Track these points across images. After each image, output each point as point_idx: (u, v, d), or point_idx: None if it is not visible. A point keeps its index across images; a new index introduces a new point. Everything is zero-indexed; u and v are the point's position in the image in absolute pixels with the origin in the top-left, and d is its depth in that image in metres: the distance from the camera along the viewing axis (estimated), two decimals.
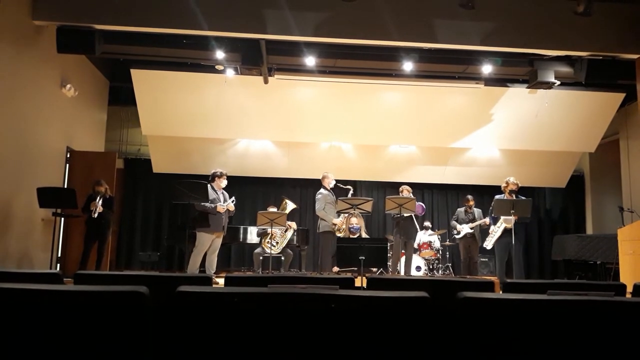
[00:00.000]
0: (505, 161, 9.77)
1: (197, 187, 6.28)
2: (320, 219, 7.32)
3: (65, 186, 7.57)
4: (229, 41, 6.87)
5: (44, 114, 6.91)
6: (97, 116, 9.02)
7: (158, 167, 9.44)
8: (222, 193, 6.60)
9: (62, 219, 7.27)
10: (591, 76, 7.02)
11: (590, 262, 8.29)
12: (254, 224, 7.85)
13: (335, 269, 6.87)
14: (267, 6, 6.31)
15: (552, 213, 10.68)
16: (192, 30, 6.37)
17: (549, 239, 10.05)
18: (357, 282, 4.29)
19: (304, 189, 10.11)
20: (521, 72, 7.76)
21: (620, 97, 8.60)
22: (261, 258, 7.82)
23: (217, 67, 7.60)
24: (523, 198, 6.82)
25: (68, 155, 7.75)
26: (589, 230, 10.21)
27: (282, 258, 7.98)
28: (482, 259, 9.09)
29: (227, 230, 6.94)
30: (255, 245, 8.18)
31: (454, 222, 8.31)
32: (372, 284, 2.40)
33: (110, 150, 9.20)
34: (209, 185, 6.47)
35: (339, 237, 7.04)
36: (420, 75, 7.98)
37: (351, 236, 7.31)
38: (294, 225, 8.03)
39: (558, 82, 7.43)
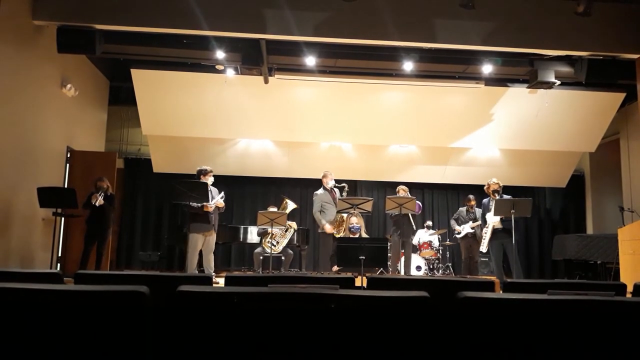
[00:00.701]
0: (506, 161, 9.77)
1: (198, 186, 6.26)
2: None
3: (66, 186, 7.57)
4: (229, 41, 6.87)
5: (44, 113, 6.92)
6: (97, 116, 9.03)
7: (158, 166, 9.44)
8: (210, 190, 6.54)
9: (63, 218, 7.27)
10: (591, 76, 7.01)
11: (590, 262, 8.29)
12: (254, 223, 7.85)
13: (335, 268, 6.87)
14: (267, 6, 6.31)
15: (553, 213, 10.67)
16: (192, 30, 6.36)
17: (549, 239, 10.05)
18: (358, 282, 4.30)
19: (304, 189, 10.10)
20: (521, 72, 7.76)
21: (620, 97, 8.60)
22: (261, 258, 7.82)
23: (217, 67, 7.60)
24: (507, 197, 6.84)
25: (68, 155, 7.75)
26: (589, 230, 10.20)
27: (283, 258, 7.98)
28: (482, 259, 9.09)
29: (227, 229, 6.93)
30: (255, 245, 8.18)
31: (452, 222, 8.32)
32: (373, 283, 2.41)
33: (111, 150, 9.20)
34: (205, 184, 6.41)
35: (339, 237, 7.03)
36: (421, 75, 7.98)
37: (351, 236, 7.30)
38: (294, 225, 8.03)
39: (558, 82, 7.42)
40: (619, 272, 6.61)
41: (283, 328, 1.33)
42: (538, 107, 8.63)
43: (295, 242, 8.09)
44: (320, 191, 7.32)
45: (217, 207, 6.42)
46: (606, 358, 1.37)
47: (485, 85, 8.37)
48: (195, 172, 6.58)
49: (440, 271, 8.68)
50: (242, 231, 8.22)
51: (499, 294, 1.63)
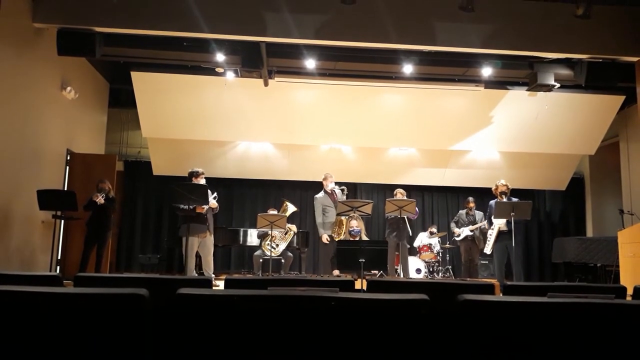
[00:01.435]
0: (505, 164, 9.78)
1: (197, 188, 6.25)
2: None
3: (66, 188, 7.57)
4: (229, 44, 6.88)
5: (44, 116, 6.92)
6: (97, 118, 9.03)
7: (158, 169, 9.44)
8: None
9: (62, 221, 7.26)
10: (591, 79, 7.01)
11: (590, 265, 8.29)
12: (254, 226, 7.84)
13: (336, 272, 6.86)
14: (267, 9, 6.32)
15: (552, 215, 10.67)
16: (192, 33, 6.37)
17: (549, 242, 10.05)
18: (357, 285, 4.29)
19: (303, 191, 10.10)
20: (521, 74, 7.76)
21: (620, 99, 8.60)
22: (261, 260, 7.81)
23: (217, 69, 7.61)
24: (515, 199, 6.84)
25: (68, 158, 7.75)
26: (589, 232, 10.20)
27: (282, 260, 7.98)
28: (482, 262, 9.09)
29: (227, 232, 6.91)
30: (255, 248, 8.17)
31: (452, 225, 8.32)
32: (372, 286, 2.40)
33: (111, 153, 9.20)
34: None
35: (339, 240, 7.03)
36: (420, 78, 7.98)
37: (351, 239, 7.29)
38: (294, 228, 8.02)
39: (558, 85, 7.43)
40: (619, 274, 6.60)
41: (283, 331, 1.33)
42: (538, 109, 8.64)
43: (295, 244, 8.08)
44: (321, 194, 7.31)
45: (210, 208, 6.36)
46: None
47: (485, 88, 8.38)
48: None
49: (440, 274, 8.67)
50: (241, 234, 8.21)
51: (498, 296, 1.63)
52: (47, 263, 6.77)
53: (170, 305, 1.33)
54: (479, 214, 8.08)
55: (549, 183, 10.20)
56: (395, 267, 7.66)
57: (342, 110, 8.73)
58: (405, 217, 7.24)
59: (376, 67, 7.68)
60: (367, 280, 2.48)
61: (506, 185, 6.88)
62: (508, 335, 1.38)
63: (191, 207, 6.15)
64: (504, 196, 6.82)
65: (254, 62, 7.04)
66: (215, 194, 6.46)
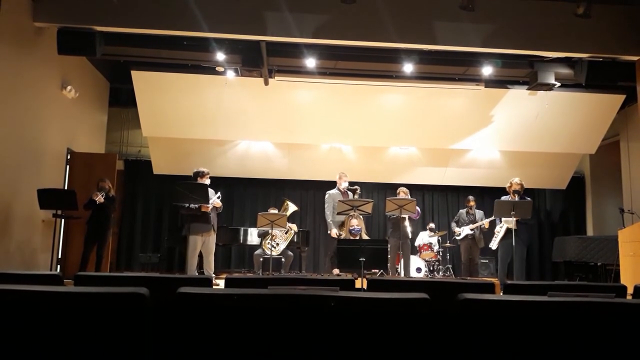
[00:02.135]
0: (506, 163, 9.77)
1: (198, 187, 6.26)
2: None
3: (66, 187, 7.57)
4: (230, 43, 6.88)
5: (44, 115, 6.92)
6: (97, 117, 9.03)
7: (158, 168, 9.44)
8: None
9: (63, 220, 7.27)
10: (591, 78, 7.01)
11: (590, 264, 8.29)
12: (254, 225, 7.84)
13: (336, 271, 6.86)
14: (267, 8, 6.32)
15: (553, 214, 10.67)
16: (192, 32, 6.37)
17: (549, 241, 10.05)
18: (358, 284, 4.29)
19: (304, 191, 10.11)
20: (521, 73, 7.75)
21: (620, 98, 8.60)
22: (261, 259, 7.81)
23: (217, 68, 7.61)
24: (528, 199, 6.82)
25: (68, 157, 7.75)
26: (590, 231, 10.20)
27: (283, 259, 7.97)
28: (482, 261, 9.09)
29: (227, 231, 6.93)
30: (255, 247, 8.18)
31: (453, 224, 8.32)
32: (373, 285, 2.40)
33: (111, 152, 9.21)
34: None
35: (340, 239, 7.03)
36: (421, 77, 7.98)
37: (352, 238, 7.30)
38: (294, 227, 8.02)
39: (558, 84, 7.42)
40: (619, 273, 6.60)
41: (283, 330, 1.33)
42: (538, 109, 8.64)
43: (295, 243, 8.08)
44: (334, 191, 7.36)
45: (214, 207, 6.42)
46: None
47: (485, 87, 8.37)
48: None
49: (440, 273, 8.67)
50: (242, 233, 8.21)
51: (499, 295, 1.63)
52: (48, 262, 6.78)
53: (171, 304, 1.33)
54: (479, 213, 8.08)
55: (550, 182, 10.20)
56: (396, 266, 7.66)
57: (343, 109, 8.73)
58: (407, 217, 7.26)
59: (376, 66, 7.67)
60: (367, 279, 2.48)
61: (520, 184, 6.84)
62: (508, 335, 1.38)
63: (196, 206, 6.18)
64: (516, 195, 6.79)
65: (254, 61, 7.04)
66: (219, 194, 6.52)
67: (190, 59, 7.41)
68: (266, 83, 7.88)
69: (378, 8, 6.37)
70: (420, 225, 9.82)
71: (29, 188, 6.26)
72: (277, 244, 7.77)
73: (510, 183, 6.93)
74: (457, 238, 8.13)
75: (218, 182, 8.53)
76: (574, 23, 6.41)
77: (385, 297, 1.37)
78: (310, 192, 10.13)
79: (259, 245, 8.02)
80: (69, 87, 7.37)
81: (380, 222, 10.07)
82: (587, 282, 6.83)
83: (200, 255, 6.47)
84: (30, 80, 6.49)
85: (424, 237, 9.00)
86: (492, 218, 7.35)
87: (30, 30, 6.34)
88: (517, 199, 6.72)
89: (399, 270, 7.49)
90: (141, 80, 8.14)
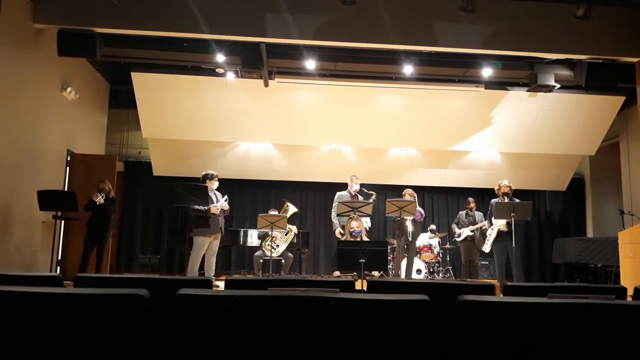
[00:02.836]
0: (506, 164, 9.78)
1: (197, 189, 6.27)
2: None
3: (66, 189, 7.57)
4: (230, 44, 6.88)
5: (44, 116, 6.92)
6: (97, 119, 9.03)
7: (158, 169, 9.44)
8: (215, 194, 6.58)
9: (63, 221, 7.27)
10: (591, 79, 7.01)
11: (590, 265, 8.28)
12: (254, 226, 7.85)
13: (336, 272, 6.87)
14: (267, 9, 6.32)
15: (553, 216, 10.67)
16: (192, 34, 6.38)
17: (549, 242, 10.04)
18: (358, 285, 4.29)
19: (304, 192, 10.11)
20: (521, 75, 7.76)
21: (620, 100, 8.60)
22: (261, 261, 7.82)
23: (217, 70, 7.61)
24: (517, 200, 6.84)
25: (68, 158, 7.75)
26: (590, 233, 10.20)
27: (283, 261, 7.97)
28: (482, 262, 9.09)
29: (227, 232, 6.93)
30: (255, 248, 8.17)
31: (453, 226, 8.32)
32: (373, 287, 2.40)
33: (111, 153, 9.21)
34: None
35: (340, 241, 7.04)
36: (421, 79, 7.98)
37: (352, 239, 7.30)
38: (294, 228, 8.02)
39: (558, 86, 7.43)
40: (619, 275, 6.60)
41: (283, 332, 1.33)
42: (538, 110, 8.64)
43: (295, 245, 8.08)
44: (343, 193, 7.39)
45: (222, 210, 6.47)
46: None
47: (485, 88, 8.38)
48: (195, 175, 6.60)
49: (440, 274, 8.67)
50: (242, 234, 8.21)
51: (499, 297, 1.63)
52: (48, 263, 6.77)
53: (171, 306, 1.33)
54: (478, 215, 8.08)
55: (550, 183, 10.20)
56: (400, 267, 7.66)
57: (343, 110, 8.73)
58: (411, 219, 7.28)
59: (376, 67, 7.68)
60: (367, 280, 2.48)
61: (509, 186, 6.89)
62: (508, 336, 1.38)
63: (206, 208, 6.24)
64: (505, 197, 6.83)
65: (254, 62, 7.05)
66: (226, 197, 6.60)
67: (190, 60, 7.41)
68: (266, 84, 7.89)
69: (378, 9, 6.37)
70: (420, 227, 9.82)
71: (29, 189, 6.26)
72: (277, 246, 7.77)
73: (499, 186, 6.96)
74: (457, 240, 8.13)
75: (218, 183, 8.53)
76: (573, 25, 6.41)
77: (385, 298, 1.37)
78: (310, 193, 10.13)
79: (259, 247, 8.02)
80: (69, 89, 7.38)
81: (380, 223, 10.07)
82: (587, 284, 6.82)
83: (202, 257, 6.49)
84: (30, 81, 6.50)
85: (424, 239, 9.00)
86: (486, 221, 7.36)
87: (30, 31, 6.35)
88: (507, 200, 6.76)
89: (399, 271, 7.48)
90: (141, 81, 8.14)
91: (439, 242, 8.87)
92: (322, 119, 8.85)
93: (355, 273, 6.16)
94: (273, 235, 7.16)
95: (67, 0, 6.25)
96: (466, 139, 9.25)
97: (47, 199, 6.12)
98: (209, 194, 6.47)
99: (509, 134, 9.14)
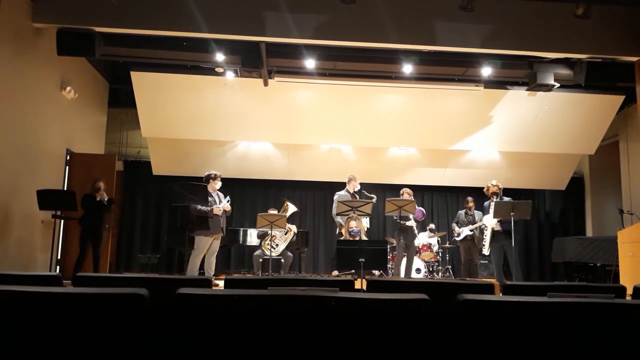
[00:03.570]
0: (505, 163, 9.78)
1: (197, 189, 6.27)
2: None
3: (65, 188, 7.57)
4: (229, 43, 6.88)
5: (44, 116, 6.92)
6: (97, 118, 9.03)
7: (158, 169, 9.44)
8: (217, 194, 6.60)
9: (62, 221, 7.26)
10: (591, 78, 7.02)
11: (590, 265, 8.28)
12: (253, 226, 7.85)
13: (335, 272, 6.87)
14: (266, 9, 6.32)
15: (552, 215, 10.67)
16: (192, 33, 6.37)
17: (548, 241, 10.04)
18: (357, 285, 4.29)
19: (303, 191, 10.11)
20: (521, 74, 7.76)
21: (619, 99, 8.61)
22: (261, 260, 7.81)
23: (217, 69, 7.61)
24: (507, 199, 6.87)
25: (68, 157, 7.75)
26: (589, 232, 10.20)
27: (282, 260, 7.97)
28: (482, 261, 9.09)
29: (226, 232, 6.94)
30: (254, 248, 8.17)
31: (453, 225, 8.32)
32: (372, 286, 2.40)
33: (110, 153, 9.20)
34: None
35: (339, 240, 7.04)
36: (420, 78, 7.99)
37: (351, 239, 7.31)
38: (294, 228, 8.02)
39: (557, 85, 7.43)
40: (618, 274, 6.60)
41: (283, 331, 1.33)
42: (537, 109, 8.64)
43: (295, 244, 8.08)
44: (343, 192, 7.39)
45: (224, 211, 6.50)
46: None
47: (485, 87, 8.38)
48: (194, 174, 6.62)
49: (439, 274, 8.67)
50: (241, 233, 8.21)
51: (498, 296, 1.63)
52: (47, 263, 6.77)
53: (170, 305, 1.33)
54: (478, 214, 8.07)
55: (549, 183, 10.20)
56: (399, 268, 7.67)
57: (342, 110, 8.73)
58: (411, 218, 7.30)
59: (376, 67, 7.68)
60: (366, 280, 2.48)
61: (497, 185, 6.93)
62: (508, 335, 1.38)
63: (209, 208, 6.26)
64: (495, 197, 6.86)
65: (253, 62, 7.05)
66: (228, 197, 6.62)
67: (190, 59, 7.41)
68: (265, 84, 7.89)
69: (377, 9, 6.37)
70: (420, 226, 9.82)
71: (29, 189, 6.26)
72: (277, 245, 7.78)
73: (487, 187, 7.01)
74: (457, 239, 8.13)
75: (221, 184, 8.53)
76: (573, 24, 6.41)
77: (385, 297, 1.37)
78: (310, 192, 10.12)
79: (259, 246, 8.02)
80: (68, 88, 7.37)
81: (379, 223, 10.07)
82: (587, 283, 6.82)
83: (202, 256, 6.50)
84: (30, 81, 6.49)
85: (424, 238, 8.99)
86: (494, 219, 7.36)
87: (29, 31, 6.34)
88: (496, 200, 6.78)
89: (399, 271, 7.49)
90: (140, 80, 8.14)
91: (438, 241, 8.88)
92: (321, 118, 8.84)
93: (353, 271, 6.16)
94: (273, 234, 7.16)
95: None
96: (466, 138, 9.26)
97: (47, 199, 6.12)
98: (212, 194, 6.48)
99: (509, 133, 9.15)
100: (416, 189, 9.98)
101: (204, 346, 1.31)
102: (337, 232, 7.50)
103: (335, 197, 7.41)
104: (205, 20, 6.21)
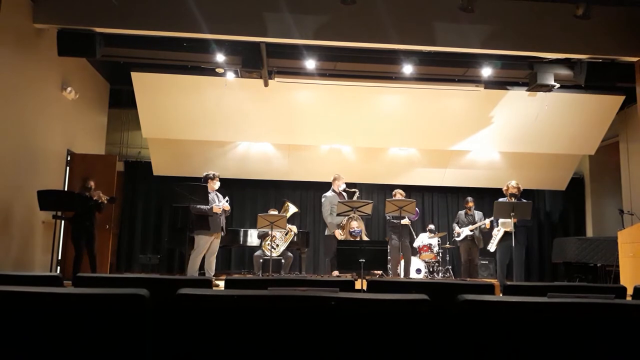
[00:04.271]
0: (505, 164, 9.78)
1: (197, 189, 6.28)
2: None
3: (66, 189, 7.57)
4: (230, 44, 6.88)
5: (44, 116, 6.92)
6: (97, 119, 9.03)
7: (158, 169, 9.44)
8: (216, 195, 6.63)
9: (63, 221, 7.26)
10: (591, 79, 7.01)
11: (590, 265, 8.29)
12: (254, 226, 7.85)
13: (336, 272, 6.86)
14: (267, 9, 6.32)
15: (552, 215, 10.67)
16: (192, 34, 6.37)
17: (549, 242, 10.05)
18: (358, 285, 4.29)
19: (304, 192, 10.11)
20: (521, 75, 7.76)
21: (619, 99, 8.61)
22: (261, 261, 7.82)
23: (217, 70, 7.62)
24: (524, 201, 6.82)
25: (68, 158, 7.75)
26: (589, 232, 10.20)
27: (283, 261, 7.97)
28: (482, 262, 9.09)
29: (227, 232, 6.96)
30: (255, 248, 8.18)
31: (454, 225, 8.33)
32: (373, 286, 2.40)
33: (111, 153, 9.21)
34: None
35: (340, 240, 7.03)
36: (420, 78, 7.98)
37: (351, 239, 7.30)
38: (294, 228, 8.02)
39: (558, 85, 7.43)
40: (619, 274, 6.60)
41: (283, 331, 1.33)
42: (537, 110, 8.64)
43: (295, 244, 8.08)
44: (329, 193, 7.36)
45: (223, 210, 6.53)
46: None
47: (485, 88, 8.38)
48: (195, 175, 6.63)
49: (440, 274, 8.67)
50: (242, 234, 8.22)
51: (498, 296, 1.63)
52: (47, 263, 6.78)
53: (171, 306, 1.33)
54: (478, 214, 8.08)
55: (549, 183, 10.20)
56: (397, 268, 7.67)
57: (342, 110, 8.73)
58: (407, 218, 7.29)
59: (376, 67, 7.69)
60: (367, 280, 2.48)
61: (517, 187, 6.84)
62: (508, 336, 1.38)
63: (209, 207, 6.28)
64: (513, 198, 6.79)
65: (254, 62, 7.04)
66: (227, 197, 6.64)
67: (190, 60, 7.42)
68: (266, 84, 7.89)
69: (378, 9, 6.37)
70: (420, 226, 9.82)
71: (29, 189, 6.26)
72: (277, 245, 7.78)
73: (507, 186, 6.93)
74: (457, 239, 8.13)
75: (220, 184, 8.53)
76: (573, 24, 6.41)
77: (385, 298, 1.37)
78: (310, 193, 10.13)
79: (259, 247, 8.02)
80: (69, 89, 7.38)
81: (379, 223, 10.07)
82: (587, 283, 6.82)
83: (202, 256, 6.51)
84: (31, 81, 6.49)
85: (424, 238, 9.00)
86: (492, 218, 7.36)
87: (30, 31, 6.35)
88: (514, 201, 6.74)
89: (398, 271, 7.49)
90: (141, 81, 8.14)
91: (438, 241, 8.88)
92: (321, 118, 8.85)
93: (354, 273, 6.16)
94: (273, 235, 7.16)
95: (67, 0, 6.26)
96: (466, 138, 9.26)
97: (47, 199, 6.12)
98: (211, 194, 6.50)
99: (509, 134, 9.15)
100: (416, 190, 10.03)
101: (205, 346, 1.31)
102: (325, 232, 7.41)
103: (323, 199, 7.38)
104: (205, 21, 6.21)
